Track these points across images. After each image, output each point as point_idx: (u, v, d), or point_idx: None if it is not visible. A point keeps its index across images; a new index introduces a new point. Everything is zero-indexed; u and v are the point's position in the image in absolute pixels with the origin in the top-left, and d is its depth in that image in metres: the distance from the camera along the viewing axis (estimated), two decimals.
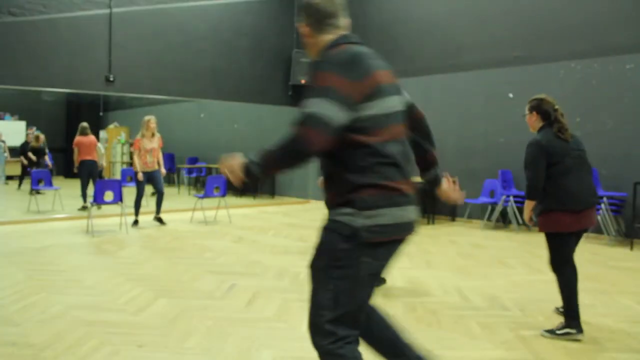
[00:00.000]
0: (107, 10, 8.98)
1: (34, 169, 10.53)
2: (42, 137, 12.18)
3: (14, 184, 15.07)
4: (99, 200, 7.35)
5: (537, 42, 8.28)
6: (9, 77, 8.18)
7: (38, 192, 10.12)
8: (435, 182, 2.53)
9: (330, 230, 1.95)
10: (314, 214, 9.86)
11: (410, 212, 1.99)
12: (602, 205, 7.12)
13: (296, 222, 8.81)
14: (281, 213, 10.02)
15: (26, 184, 12.62)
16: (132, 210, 8.04)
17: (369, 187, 1.89)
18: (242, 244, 6.85)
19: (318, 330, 1.93)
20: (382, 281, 4.85)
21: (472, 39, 9.06)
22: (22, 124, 17.42)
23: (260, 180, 1.68)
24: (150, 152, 7.83)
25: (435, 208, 9.41)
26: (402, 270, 5.48)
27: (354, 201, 1.90)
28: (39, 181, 9.69)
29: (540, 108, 3.77)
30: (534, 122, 3.81)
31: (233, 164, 1.92)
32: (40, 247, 6.38)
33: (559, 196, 3.51)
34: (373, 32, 10.68)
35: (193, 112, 15.28)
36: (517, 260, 6.11)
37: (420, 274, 5.32)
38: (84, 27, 8.77)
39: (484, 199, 8.57)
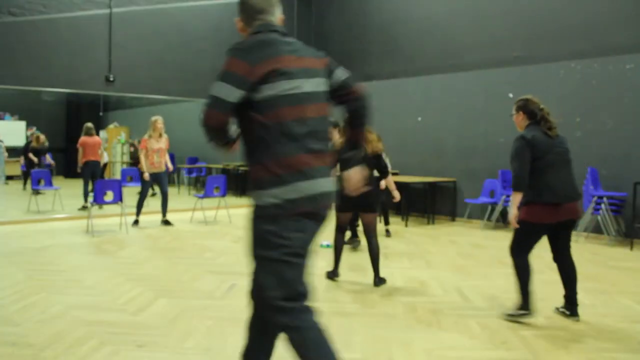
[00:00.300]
0: (107, 10, 8.98)
1: (34, 169, 10.53)
2: (42, 137, 12.17)
3: (14, 184, 15.08)
4: (99, 200, 7.36)
5: (537, 42, 8.28)
6: (9, 77, 8.19)
7: (38, 192, 10.12)
8: (346, 162, 2.61)
9: (254, 216, 2.10)
10: None
11: (321, 184, 2.10)
12: (602, 205, 7.12)
13: None
14: None
15: (30, 184, 12.62)
16: (133, 210, 8.04)
17: (273, 165, 2.05)
18: (242, 244, 6.85)
19: (270, 310, 2.07)
20: (383, 281, 4.86)
21: (472, 39, 9.06)
22: (22, 124, 17.42)
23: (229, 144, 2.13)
24: (158, 152, 7.83)
25: (435, 208, 9.41)
26: (402, 270, 5.48)
27: (262, 182, 2.07)
28: (39, 181, 9.69)
29: (527, 108, 3.93)
30: (520, 122, 3.98)
31: None
32: (40, 247, 6.38)
33: (538, 189, 3.72)
34: (373, 32, 10.69)
35: (193, 112, 15.17)
36: None
37: (420, 274, 5.32)
38: (84, 27, 8.77)
39: (484, 199, 8.58)
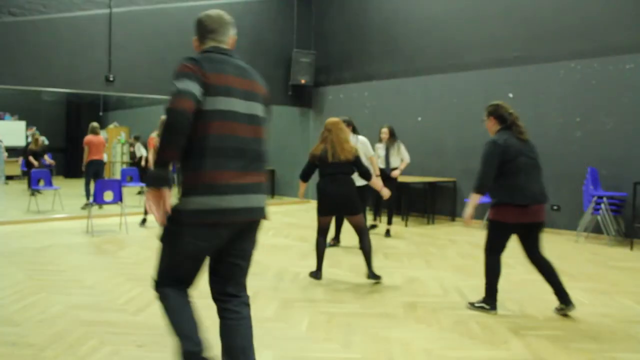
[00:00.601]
0: (107, 10, 8.98)
1: (34, 169, 10.52)
2: (40, 139, 12.13)
3: (14, 184, 15.08)
4: (99, 200, 7.36)
5: (537, 42, 8.28)
6: (9, 77, 8.18)
7: (35, 192, 10.12)
8: None
9: (172, 211, 2.25)
10: (314, 214, 9.87)
11: (232, 200, 2.25)
12: (602, 205, 7.13)
13: (296, 222, 8.80)
14: (281, 213, 10.02)
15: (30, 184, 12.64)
16: (133, 210, 8.04)
17: (193, 174, 2.22)
18: None
19: (153, 280, 2.43)
20: (377, 277, 4.85)
21: (472, 39, 9.06)
22: (22, 124, 17.43)
23: (164, 177, 2.18)
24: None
25: (435, 208, 9.41)
26: (402, 270, 5.48)
27: (183, 187, 2.26)
28: (38, 181, 9.69)
29: (497, 113, 4.09)
30: (492, 126, 4.13)
31: (151, 203, 2.21)
32: (40, 247, 6.38)
33: (509, 191, 3.89)
34: (373, 32, 10.69)
35: None
36: (517, 260, 6.10)
37: (420, 274, 5.32)
38: (84, 27, 8.77)
39: (483, 199, 8.56)
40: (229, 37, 2.49)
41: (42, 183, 9.70)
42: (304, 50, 11.60)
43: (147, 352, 3.20)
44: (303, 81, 11.43)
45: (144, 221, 8.04)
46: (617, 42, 7.47)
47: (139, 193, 11.18)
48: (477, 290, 4.73)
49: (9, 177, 15.52)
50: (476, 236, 7.72)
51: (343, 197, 4.83)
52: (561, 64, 8.01)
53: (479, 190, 3.94)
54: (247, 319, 2.48)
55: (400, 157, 7.73)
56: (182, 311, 2.41)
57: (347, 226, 6.98)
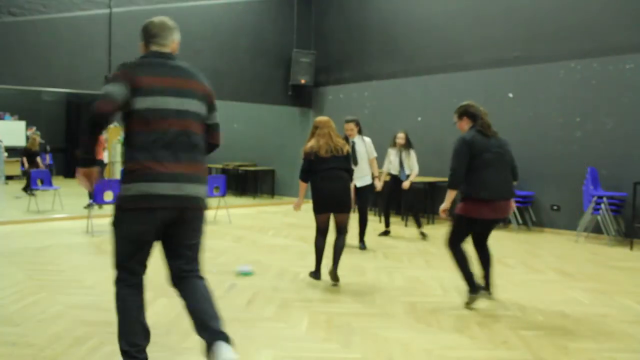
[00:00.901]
0: (107, 10, 8.98)
1: (34, 170, 10.52)
2: (37, 139, 12.10)
3: (13, 183, 15.06)
4: (99, 200, 7.36)
5: (537, 42, 8.28)
6: (9, 77, 8.18)
7: (30, 193, 10.11)
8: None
9: (116, 198, 2.65)
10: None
11: (164, 187, 2.53)
12: (602, 205, 7.13)
13: (296, 222, 8.80)
14: (281, 213, 10.01)
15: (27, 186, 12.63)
16: None
17: (129, 165, 2.55)
18: (242, 243, 6.85)
19: (113, 268, 2.75)
20: (337, 278, 4.81)
21: (472, 39, 9.06)
22: (22, 124, 17.42)
23: (90, 158, 2.60)
24: None
25: (435, 208, 9.40)
26: (402, 270, 5.48)
27: (123, 177, 2.58)
28: (38, 181, 9.68)
29: (468, 112, 4.23)
30: (465, 126, 4.26)
31: (82, 178, 2.63)
32: (40, 247, 6.38)
33: (476, 186, 4.02)
34: (373, 32, 10.69)
35: None
36: (516, 260, 6.11)
37: (420, 274, 5.32)
38: (84, 27, 8.77)
39: None
40: (171, 42, 2.77)
41: (40, 183, 9.68)
42: (304, 50, 11.60)
43: (147, 352, 3.19)
44: (303, 81, 11.43)
45: None
46: (617, 42, 7.47)
47: None
48: None
49: (9, 177, 15.51)
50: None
51: (340, 192, 4.79)
52: (561, 64, 8.01)
53: (453, 185, 4.10)
54: (203, 287, 2.77)
55: (410, 166, 7.56)
56: (127, 313, 2.71)
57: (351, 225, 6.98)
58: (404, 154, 7.56)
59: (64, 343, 3.29)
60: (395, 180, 7.54)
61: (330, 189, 4.75)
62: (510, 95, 8.58)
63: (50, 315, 3.84)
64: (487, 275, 4.43)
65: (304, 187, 4.92)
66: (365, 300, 4.36)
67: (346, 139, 6.64)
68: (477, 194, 4.01)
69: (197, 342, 3.38)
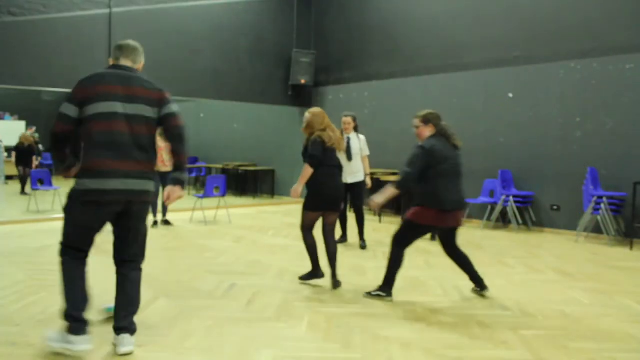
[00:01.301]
0: (107, 10, 8.98)
1: (33, 170, 10.50)
2: (30, 138, 12.09)
3: (13, 183, 15.05)
4: None
5: (537, 42, 8.28)
6: (9, 77, 8.18)
7: (26, 193, 10.09)
8: (171, 180, 3.23)
9: (70, 190, 3.03)
10: None
11: (110, 183, 2.89)
12: (602, 205, 7.13)
13: (296, 222, 8.78)
14: (281, 213, 10.01)
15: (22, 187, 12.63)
16: None
17: (83, 163, 2.93)
18: (242, 243, 6.85)
19: (59, 243, 3.14)
20: (339, 284, 4.72)
21: (472, 39, 9.06)
22: (22, 124, 17.41)
23: (68, 165, 3.11)
24: (166, 149, 7.79)
25: None
26: (402, 270, 5.47)
27: (78, 173, 2.98)
28: (38, 181, 9.66)
29: (430, 120, 4.28)
30: (426, 134, 4.28)
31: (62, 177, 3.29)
32: (40, 247, 6.37)
33: (430, 195, 4.09)
34: (373, 32, 10.69)
35: (193, 112, 15.28)
36: (517, 260, 6.11)
37: (420, 274, 5.32)
38: (84, 27, 8.77)
39: (483, 199, 8.58)
40: (130, 59, 3.17)
41: (40, 183, 9.66)
42: (304, 50, 11.59)
43: (147, 352, 3.20)
44: (303, 81, 11.43)
45: (155, 223, 8.02)
46: (617, 42, 7.47)
47: None
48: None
49: (9, 177, 15.50)
50: (476, 236, 7.72)
51: (341, 190, 4.74)
52: (561, 64, 8.01)
53: (402, 187, 4.14)
54: (134, 281, 3.21)
55: None
56: (72, 281, 3.08)
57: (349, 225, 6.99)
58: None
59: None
60: None
61: (334, 187, 4.64)
62: (510, 95, 8.58)
63: (50, 315, 3.83)
64: (474, 275, 4.49)
65: (309, 173, 4.57)
66: (365, 301, 4.36)
67: (341, 133, 6.70)
68: (431, 204, 4.09)
69: (197, 342, 3.39)
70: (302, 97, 11.90)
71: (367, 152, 6.80)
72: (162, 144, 7.79)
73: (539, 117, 8.25)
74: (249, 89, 11.01)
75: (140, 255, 3.25)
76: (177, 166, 3.18)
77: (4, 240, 6.90)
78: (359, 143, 6.72)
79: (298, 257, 6.00)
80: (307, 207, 4.68)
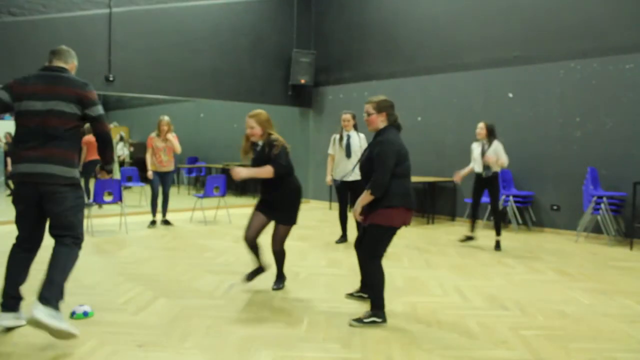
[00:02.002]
0: (106, 10, 8.98)
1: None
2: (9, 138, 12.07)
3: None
4: (98, 199, 7.36)
5: (537, 42, 8.28)
6: (9, 77, 8.15)
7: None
8: (99, 166, 3.81)
9: None
10: (313, 213, 9.86)
11: (27, 167, 3.36)
12: (602, 205, 7.13)
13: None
14: None
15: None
16: (132, 210, 8.04)
17: (15, 151, 3.45)
18: (242, 243, 6.83)
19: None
20: (281, 285, 4.73)
21: (472, 39, 9.06)
22: None
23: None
24: (164, 150, 7.82)
25: (435, 208, 9.41)
26: (402, 270, 5.48)
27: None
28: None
29: (388, 109, 3.89)
30: (379, 123, 3.87)
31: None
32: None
33: (398, 194, 3.72)
34: (373, 32, 10.69)
35: (193, 112, 15.28)
36: (516, 260, 6.11)
37: (420, 274, 5.32)
38: (83, 27, 8.76)
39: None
40: (62, 61, 3.71)
41: None
42: (304, 50, 11.59)
43: (147, 352, 3.20)
44: (303, 81, 11.43)
45: (153, 222, 8.03)
46: (617, 42, 7.47)
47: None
48: (477, 290, 4.73)
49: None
50: (476, 236, 7.71)
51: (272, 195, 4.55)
52: (561, 64, 8.01)
53: (377, 192, 3.68)
54: (57, 254, 3.53)
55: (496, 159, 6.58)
56: (13, 266, 3.59)
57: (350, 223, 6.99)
58: (486, 148, 6.70)
59: (64, 343, 3.29)
60: (478, 179, 6.84)
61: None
62: (510, 95, 8.58)
63: None
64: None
65: (266, 176, 4.35)
66: (365, 300, 4.36)
67: (341, 131, 6.75)
68: (402, 203, 3.71)
69: (197, 342, 3.39)
70: (302, 97, 11.90)
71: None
72: (160, 145, 7.82)
73: (539, 117, 8.25)
74: (248, 89, 11.01)
75: (65, 233, 3.53)
76: (104, 162, 3.73)
77: (4, 239, 6.87)
78: (358, 141, 6.74)
79: (298, 257, 6.01)
80: (293, 221, 4.57)
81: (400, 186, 3.74)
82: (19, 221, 3.61)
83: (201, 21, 10.16)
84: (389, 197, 3.70)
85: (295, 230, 8.03)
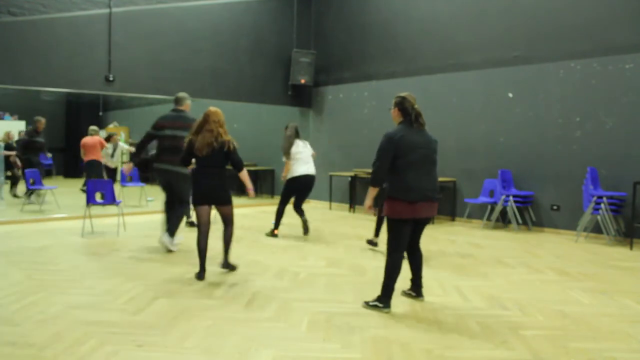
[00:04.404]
0: (106, 10, 8.98)
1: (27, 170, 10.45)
2: (12, 133, 12.05)
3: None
4: (91, 200, 7.16)
5: (537, 42, 8.28)
6: (9, 77, 8.17)
7: (16, 196, 9.99)
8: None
9: None
10: (314, 213, 9.86)
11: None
12: (602, 205, 7.13)
13: (296, 222, 8.79)
14: None
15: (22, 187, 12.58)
16: (132, 210, 8.02)
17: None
18: (242, 243, 6.85)
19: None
20: (232, 267, 5.19)
21: (472, 38, 9.06)
22: (22, 124, 17.40)
23: None
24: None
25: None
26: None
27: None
28: (31, 180, 9.56)
29: (402, 105, 4.13)
30: (396, 117, 4.19)
31: None
32: (40, 247, 6.37)
33: (398, 187, 3.97)
34: (373, 32, 10.69)
35: (193, 112, 15.26)
36: (516, 260, 6.11)
37: None
38: (83, 27, 8.76)
39: (483, 199, 8.57)
40: (184, 104, 3.87)
41: (32, 182, 9.58)
42: (304, 50, 11.59)
43: (147, 352, 3.19)
44: (303, 81, 11.43)
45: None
46: (617, 42, 7.47)
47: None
48: (477, 290, 4.73)
49: (9, 177, 15.48)
50: (476, 236, 7.72)
51: (214, 187, 5.36)
52: (561, 64, 8.01)
53: (375, 182, 4.06)
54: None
55: None
56: None
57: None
58: None
59: (64, 343, 3.29)
60: None
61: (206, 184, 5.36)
62: (510, 95, 8.58)
63: (50, 315, 3.84)
64: (417, 280, 4.37)
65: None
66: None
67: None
68: (399, 195, 3.94)
69: (197, 342, 3.39)
70: (302, 97, 11.90)
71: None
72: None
73: (539, 117, 8.25)
74: (248, 88, 11.01)
75: None
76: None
77: (4, 240, 6.90)
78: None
79: (298, 257, 6.00)
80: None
81: (400, 179, 3.96)
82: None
83: (201, 21, 10.16)
84: (390, 190, 4.01)
85: (295, 230, 8.04)
